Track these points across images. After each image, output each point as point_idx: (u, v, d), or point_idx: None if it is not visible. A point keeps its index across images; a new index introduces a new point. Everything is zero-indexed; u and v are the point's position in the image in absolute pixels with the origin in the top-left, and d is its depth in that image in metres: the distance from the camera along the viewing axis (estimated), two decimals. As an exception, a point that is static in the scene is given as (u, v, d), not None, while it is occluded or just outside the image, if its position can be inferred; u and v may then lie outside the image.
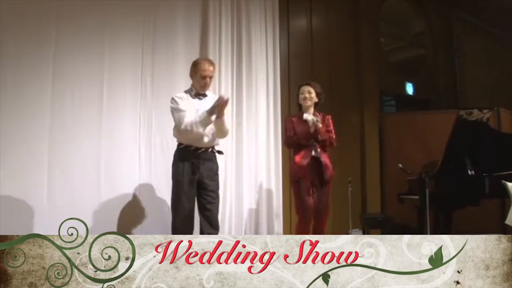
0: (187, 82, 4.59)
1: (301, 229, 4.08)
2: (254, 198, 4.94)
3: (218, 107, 3.40)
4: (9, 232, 3.33)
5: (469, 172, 4.95)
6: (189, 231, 3.55)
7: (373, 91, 6.67)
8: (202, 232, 3.54)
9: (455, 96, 7.75)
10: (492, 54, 7.46)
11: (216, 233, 3.54)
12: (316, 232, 4.14)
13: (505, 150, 4.98)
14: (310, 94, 4.09)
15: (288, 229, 5.28)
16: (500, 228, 6.25)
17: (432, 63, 7.99)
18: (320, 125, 3.99)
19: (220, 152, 3.73)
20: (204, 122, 3.42)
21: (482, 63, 7.56)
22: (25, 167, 3.61)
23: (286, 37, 5.70)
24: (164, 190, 4.35)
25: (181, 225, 3.49)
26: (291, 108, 5.58)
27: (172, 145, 4.39)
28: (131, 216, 4.11)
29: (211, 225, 3.53)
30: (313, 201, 4.05)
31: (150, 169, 4.31)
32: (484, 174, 4.85)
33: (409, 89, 7.70)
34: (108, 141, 4.06)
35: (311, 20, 6.08)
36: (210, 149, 3.60)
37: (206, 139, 3.53)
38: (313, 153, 4.03)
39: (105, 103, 4.07)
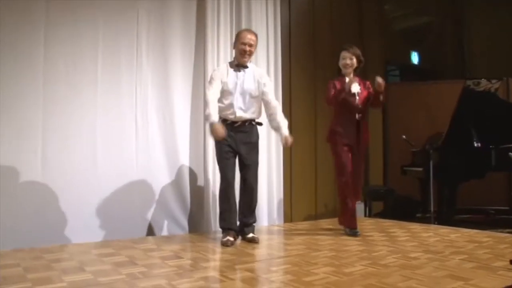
0: (182, 55, 4.50)
1: (341, 185, 4.05)
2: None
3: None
4: (4, 203, 3.34)
5: (475, 144, 4.87)
6: (233, 201, 3.71)
7: (377, 60, 6.49)
8: (242, 190, 3.76)
9: (462, 66, 7.55)
10: (501, 22, 7.22)
11: (251, 194, 3.73)
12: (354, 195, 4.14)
13: (513, 121, 4.89)
14: (351, 60, 4.07)
15: (289, 217, 5.23)
16: (506, 202, 6.22)
17: (438, 31, 7.77)
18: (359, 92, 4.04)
19: (259, 124, 3.82)
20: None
21: (491, 31, 7.33)
22: (19, 138, 3.55)
23: (287, 6, 5.50)
24: (161, 163, 4.31)
25: (224, 194, 3.66)
26: (292, 80, 5.43)
27: (169, 120, 4.34)
28: (127, 188, 4.05)
29: (247, 186, 3.73)
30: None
31: (148, 143, 4.23)
32: (491, 146, 4.76)
33: (414, 58, 7.55)
34: (103, 114, 3.98)
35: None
36: (247, 122, 3.68)
37: (239, 114, 3.64)
38: (357, 116, 4.02)
39: (100, 75, 3.97)
